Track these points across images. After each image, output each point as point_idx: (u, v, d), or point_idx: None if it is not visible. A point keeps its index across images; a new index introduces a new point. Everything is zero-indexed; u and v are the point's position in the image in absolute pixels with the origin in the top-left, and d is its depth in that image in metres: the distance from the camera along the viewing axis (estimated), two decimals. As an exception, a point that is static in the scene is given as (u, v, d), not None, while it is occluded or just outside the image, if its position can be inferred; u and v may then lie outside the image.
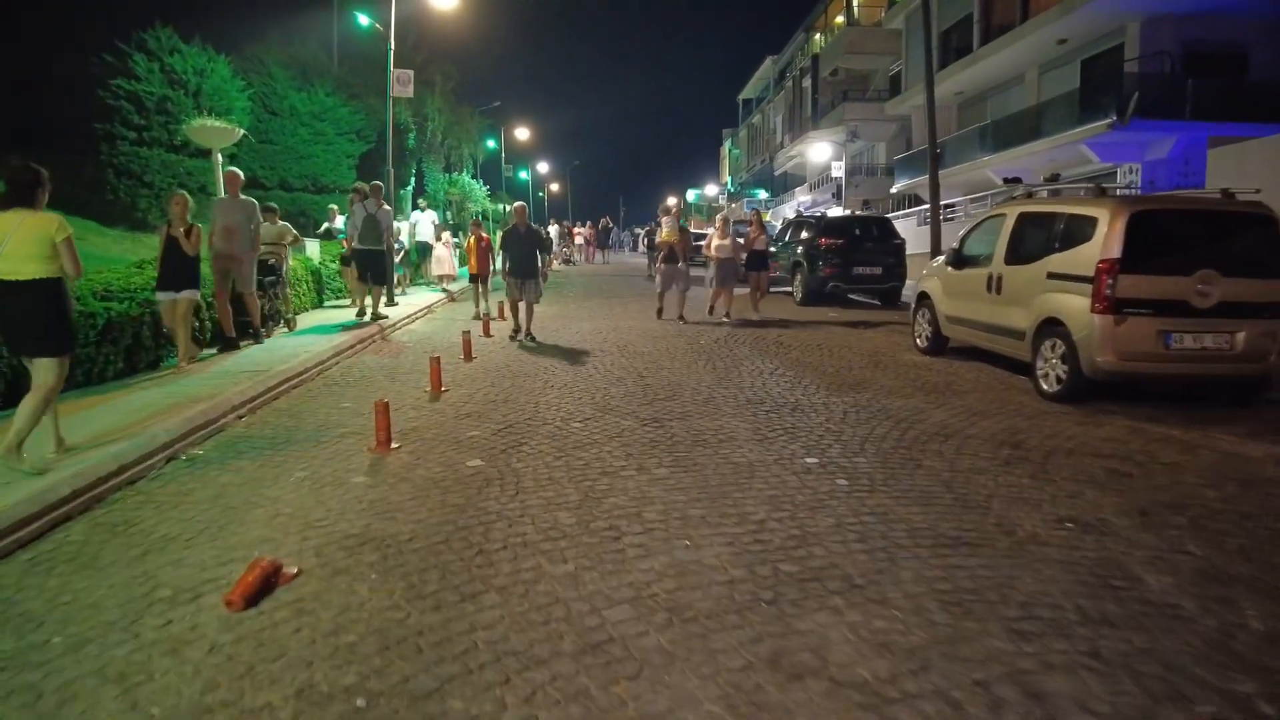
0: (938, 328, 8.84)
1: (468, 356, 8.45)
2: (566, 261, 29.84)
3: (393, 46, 12.48)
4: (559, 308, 14.09)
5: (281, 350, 8.20)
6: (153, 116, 14.47)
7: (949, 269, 8.64)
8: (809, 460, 5.03)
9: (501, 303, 11.09)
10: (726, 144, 66.06)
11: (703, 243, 13.06)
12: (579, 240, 32.60)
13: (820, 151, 28.52)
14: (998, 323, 7.61)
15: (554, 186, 68.83)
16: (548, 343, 9.65)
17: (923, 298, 9.30)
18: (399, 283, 13.70)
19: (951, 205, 23.17)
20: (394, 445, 5.30)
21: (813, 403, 6.50)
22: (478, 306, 11.92)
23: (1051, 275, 6.89)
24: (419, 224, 15.56)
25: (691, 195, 70.96)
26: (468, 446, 5.37)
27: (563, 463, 4.97)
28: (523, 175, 50.99)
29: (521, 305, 9.76)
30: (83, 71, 14.27)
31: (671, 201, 21.46)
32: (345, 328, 9.91)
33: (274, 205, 9.67)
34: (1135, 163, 19.10)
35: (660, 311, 11.91)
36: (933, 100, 15.84)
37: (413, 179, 30.65)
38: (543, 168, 54.05)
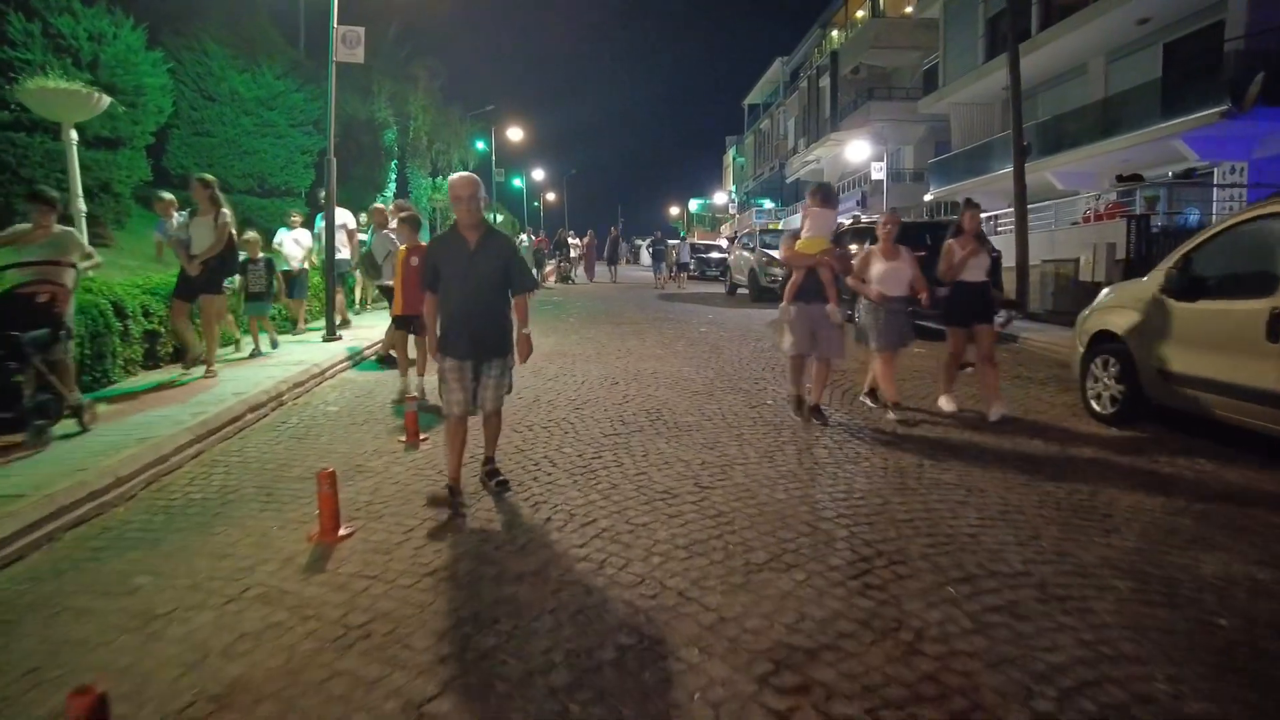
0: (1138, 387, 5.75)
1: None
2: (565, 279, 26.52)
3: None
4: (556, 339, 10.96)
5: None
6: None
7: (1166, 299, 5.55)
8: None
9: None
10: (731, 151, 63.21)
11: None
12: (573, 253, 28.99)
13: (857, 151, 25.47)
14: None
15: (550, 195, 65.89)
16: (537, 396, 6.55)
17: (1103, 340, 6.23)
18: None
19: (994, 215, 20.17)
20: (344, 531, 3.65)
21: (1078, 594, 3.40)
22: (404, 377, 6.85)
23: None
24: (284, 246, 9.76)
25: (695, 205, 68.11)
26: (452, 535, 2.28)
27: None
28: (516, 183, 47.92)
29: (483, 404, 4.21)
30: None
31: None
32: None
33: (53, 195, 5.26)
34: (1241, 160, 16.11)
35: (800, 403, 5.96)
36: (1017, 72, 12.80)
37: (392, 183, 27.61)
38: (538, 175, 50.98)
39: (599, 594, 3.01)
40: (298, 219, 9.77)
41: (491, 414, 4.16)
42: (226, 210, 7.06)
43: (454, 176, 3.98)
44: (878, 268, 6.11)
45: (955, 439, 5.45)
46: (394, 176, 28.02)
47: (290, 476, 4.58)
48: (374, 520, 3.84)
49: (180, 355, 7.25)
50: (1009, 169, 21.95)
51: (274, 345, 8.71)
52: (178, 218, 7.71)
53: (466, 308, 3.95)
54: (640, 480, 4.42)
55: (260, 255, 8.30)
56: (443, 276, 3.97)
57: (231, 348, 8.61)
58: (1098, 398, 6.21)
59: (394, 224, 9.40)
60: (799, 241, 5.79)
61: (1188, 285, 5.41)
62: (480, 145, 30.69)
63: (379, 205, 9.64)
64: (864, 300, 6.25)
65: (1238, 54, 14.97)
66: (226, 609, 2.94)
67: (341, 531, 3.64)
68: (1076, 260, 12.35)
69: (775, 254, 17.70)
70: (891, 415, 6.01)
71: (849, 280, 6.17)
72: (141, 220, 12.67)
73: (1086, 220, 15.39)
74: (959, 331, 6.27)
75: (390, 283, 7.24)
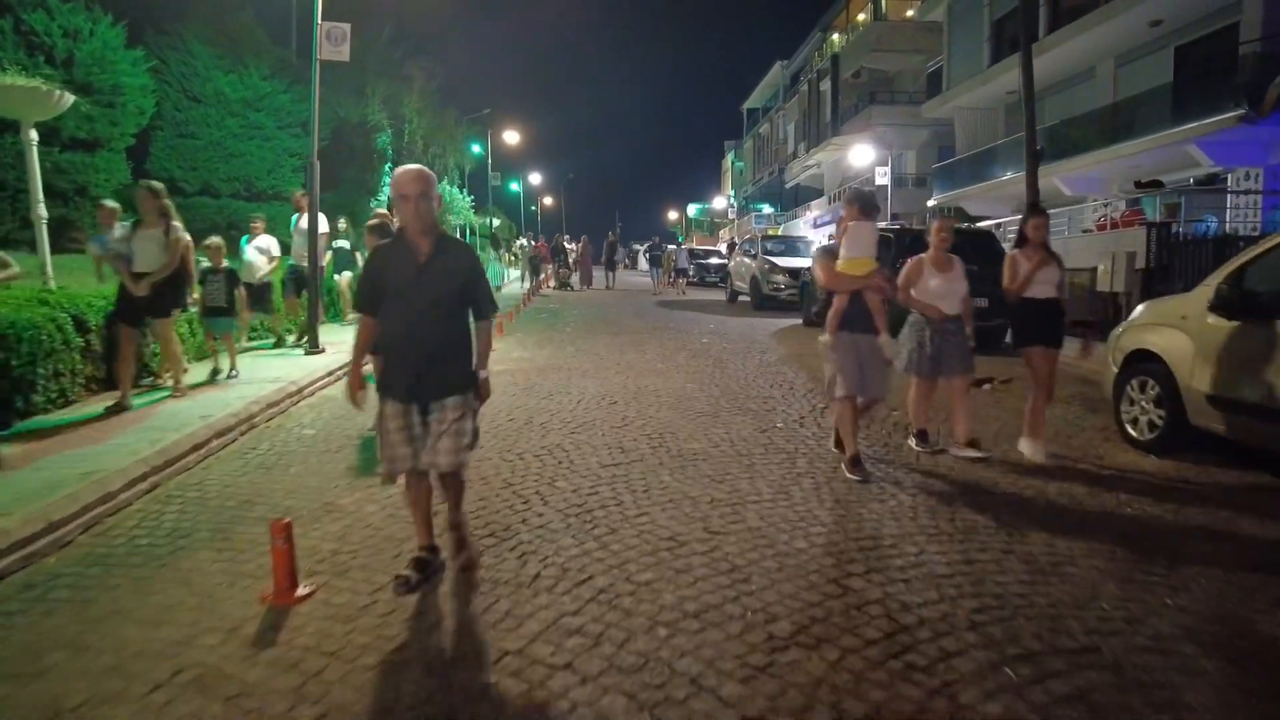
0: (1180, 412, 5.29)
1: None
2: (564, 285, 26.03)
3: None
4: (551, 351, 10.49)
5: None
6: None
7: (1216, 317, 5.09)
8: None
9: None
10: (729, 156, 62.85)
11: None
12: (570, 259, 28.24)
13: (861, 155, 25.02)
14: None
15: (547, 200, 65.54)
16: (530, 417, 6.08)
17: (1140, 359, 5.76)
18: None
19: (999, 223, 19.73)
20: (302, 589, 3.15)
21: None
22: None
23: None
24: (246, 255, 8.85)
25: (693, 210, 67.74)
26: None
27: None
28: (514, 187, 47.49)
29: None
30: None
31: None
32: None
33: None
34: (1256, 166, 15.69)
35: (857, 463, 4.78)
36: (1030, 74, 12.33)
37: (386, 186, 27.13)
38: (535, 179, 50.57)
39: (595, 684, 2.53)
40: (260, 225, 8.95)
41: (448, 473, 3.20)
42: (179, 224, 6.23)
43: (399, 170, 3.15)
44: (931, 282, 5.27)
45: (984, 473, 4.98)
46: (387, 180, 27.57)
47: (252, 517, 4.10)
48: (338, 575, 3.36)
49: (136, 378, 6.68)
50: (1016, 174, 21.63)
51: (232, 373, 7.35)
52: (119, 229, 6.64)
53: (412, 335, 3.09)
54: (642, 523, 3.94)
55: (224, 264, 7.45)
56: (385, 295, 3.13)
57: (200, 365, 7.66)
58: (1134, 422, 5.75)
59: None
60: (840, 261, 4.75)
61: (1241, 301, 4.95)
62: (476, 149, 30.22)
63: (382, 211, 9.17)
64: (913, 318, 5.41)
65: (1255, 56, 14.56)
66: (149, 701, 2.45)
67: (300, 590, 3.16)
68: (1093, 269, 11.90)
69: (778, 261, 17.26)
70: (913, 444, 5.41)
71: (899, 298, 5.22)
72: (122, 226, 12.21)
73: (1101, 227, 14.95)
74: (1033, 353, 5.32)
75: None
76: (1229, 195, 15.96)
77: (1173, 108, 16.89)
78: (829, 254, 4.85)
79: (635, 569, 3.39)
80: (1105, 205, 19.99)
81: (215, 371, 7.33)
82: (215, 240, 7.40)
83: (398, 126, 28.81)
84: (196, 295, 7.04)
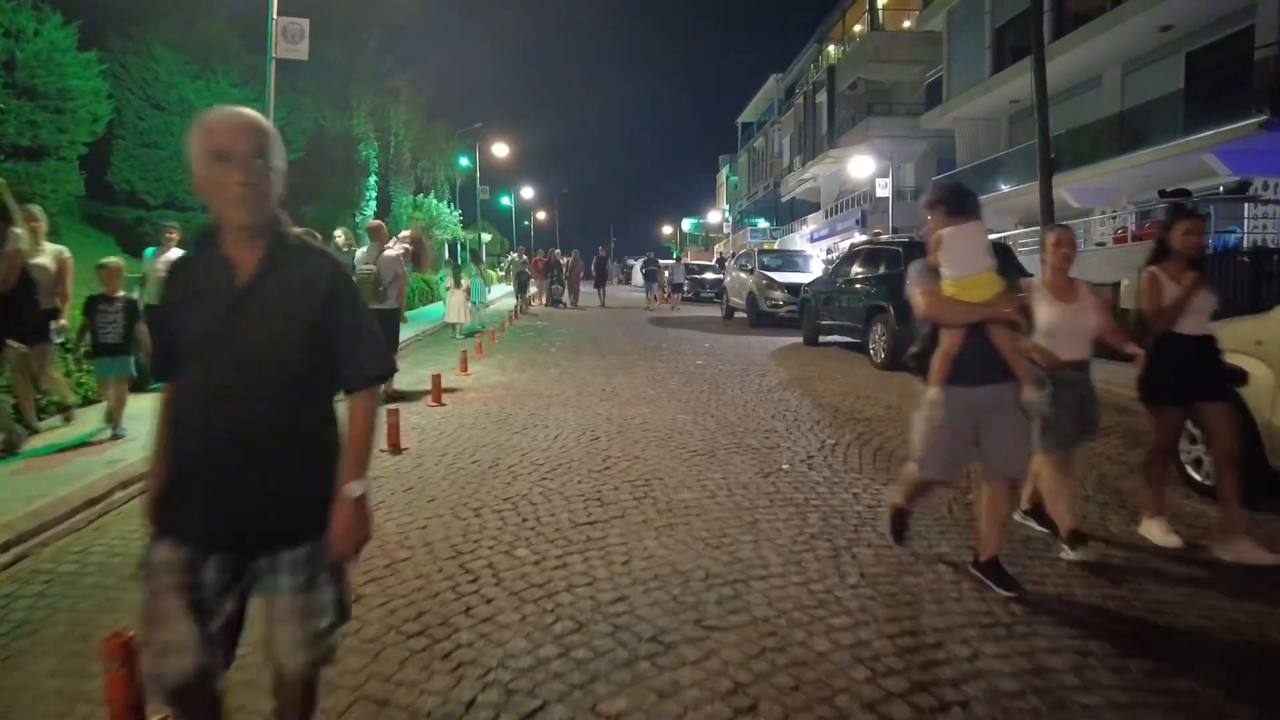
0: (1259, 454, 4.48)
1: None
2: (556, 302, 24.76)
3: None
4: (531, 376, 9.66)
5: None
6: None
7: (1303, 343, 4.29)
8: None
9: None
10: (724, 171, 62.35)
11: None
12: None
13: (861, 166, 24.35)
14: None
15: (540, 214, 64.95)
16: (497, 459, 5.25)
17: (1204, 391, 4.94)
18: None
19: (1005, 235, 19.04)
20: None
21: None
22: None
23: None
24: (151, 275, 7.68)
25: (688, 224, 67.16)
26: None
27: None
28: (505, 201, 46.80)
29: None
30: None
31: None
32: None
33: None
34: (1275, 176, 14.99)
35: (902, 522, 3.85)
36: (1043, 76, 11.63)
37: (372, 200, 26.41)
38: (528, 193, 49.91)
39: None
40: (174, 235, 7.64)
41: (292, 678, 1.86)
42: (19, 230, 4.91)
43: (211, 113, 1.75)
44: (1046, 314, 3.81)
45: (1022, 529, 4.15)
46: (374, 194, 26.83)
47: (128, 601, 3.24)
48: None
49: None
50: (1021, 185, 21.01)
51: (119, 431, 5.68)
52: None
53: (215, 422, 1.71)
54: (617, 612, 3.10)
55: (120, 292, 5.83)
56: (181, 344, 1.76)
57: (59, 420, 6.05)
58: (1197, 464, 4.94)
59: (394, 246, 8.01)
60: (950, 281, 3.26)
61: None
62: (464, 161, 29.43)
63: (375, 222, 8.52)
64: (1040, 366, 3.67)
65: (1275, 59, 13.91)
66: None
67: (145, 730, 2.31)
68: (1114, 285, 11.14)
69: (776, 276, 16.50)
70: (1070, 554, 3.65)
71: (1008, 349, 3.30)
72: (72, 237, 11.34)
73: (1120, 240, 14.22)
74: (1169, 413, 3.99)
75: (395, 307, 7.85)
76: (1246, 205, 15.27)
77: (1184, 116, 16.30)
78: (930, 274, 3.34)
79: (604, 691, 2.54)
80: (1114, 216, 19.38)
81: (110, 430, 5.77)
82: (112, 261, 5.95)
83: (384, 139, 28.13)
84: (65, 323, 5.79)
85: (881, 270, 10.59)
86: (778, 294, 16.02)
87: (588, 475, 5.07)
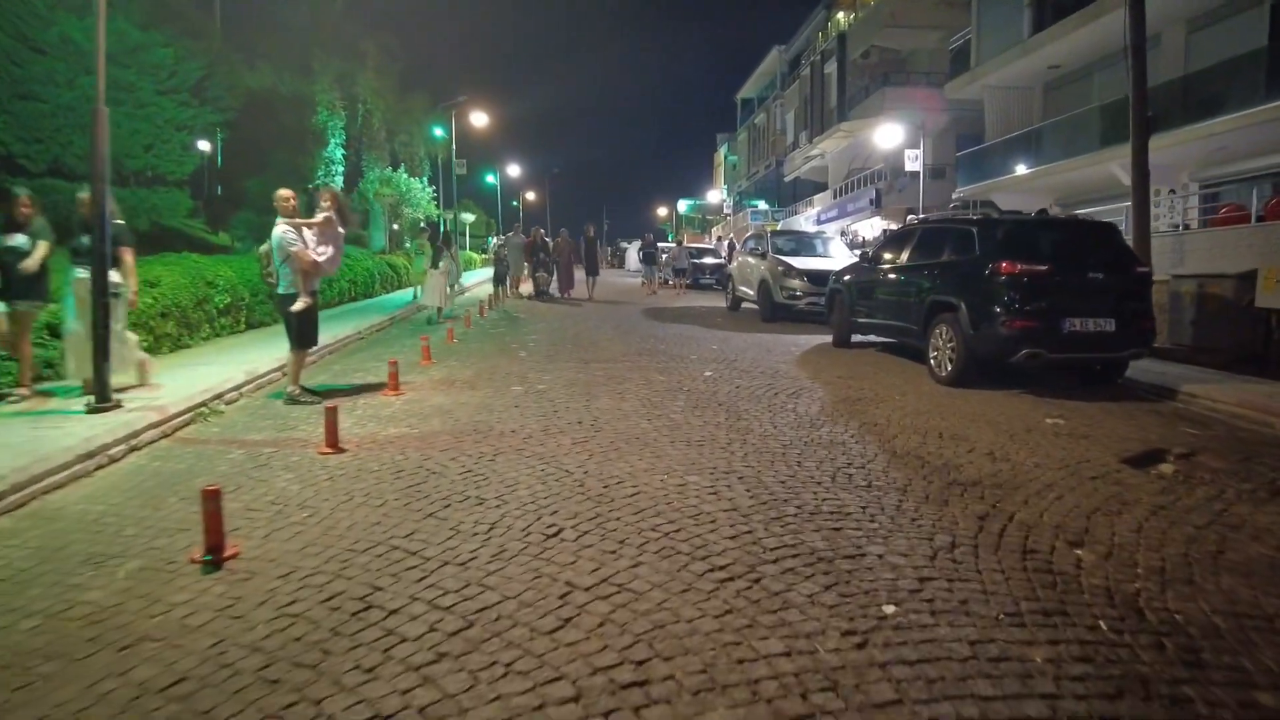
0: None
1: None
2: (542, 293, 20.47)
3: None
4: (485, 396, 7.27)
5: None
6: None
7: None
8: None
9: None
10: (722, 150, 59.67)
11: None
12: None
13: (889, 135, 21.83)
14: None
15: (530, 195, 62.23)
16: (371, 606, 2.93)
17: None
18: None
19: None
20: None
21: None
22: None
23: None
24: None
25: (684, 206, 64.62)
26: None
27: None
28: (489, 179, 44.04)
29: None
30: None
31: None
32: None
33: None
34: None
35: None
36: (1142, 7, 9.19)
37: (338, 174, 23.84)
38: (516, 171, 47.12)
39: None
40: (28, 209, 5.83)
41: None
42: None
43: None
44: None
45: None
46: (341, 167, 24.26)
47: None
48: None
49: None
50: (1062, 160, 18.66)
51: None
52: None
53: None
54: None
55: None
56: None
57: None
58: None
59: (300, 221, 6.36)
60: None
61: None
62: (438, 132, 26.62)
63: (283, 192, 6.43)
64: None
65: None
66: None
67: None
68: (1239, 277, 8.78)
69: (794, 263, 14.07)
70: None
71: None
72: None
73: (1226, 220, 11.84)
74: None
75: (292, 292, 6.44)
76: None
77: (1266, 77, 13.96)
78: None
79: None
80: (1171, 194, 17.12)
81: None
82: None
83: (352, 108, 25.49)
84: None
85: (947, 256, 8.15)
86: (796, 283, 13.60)
87: (526, 651, 2.67)
